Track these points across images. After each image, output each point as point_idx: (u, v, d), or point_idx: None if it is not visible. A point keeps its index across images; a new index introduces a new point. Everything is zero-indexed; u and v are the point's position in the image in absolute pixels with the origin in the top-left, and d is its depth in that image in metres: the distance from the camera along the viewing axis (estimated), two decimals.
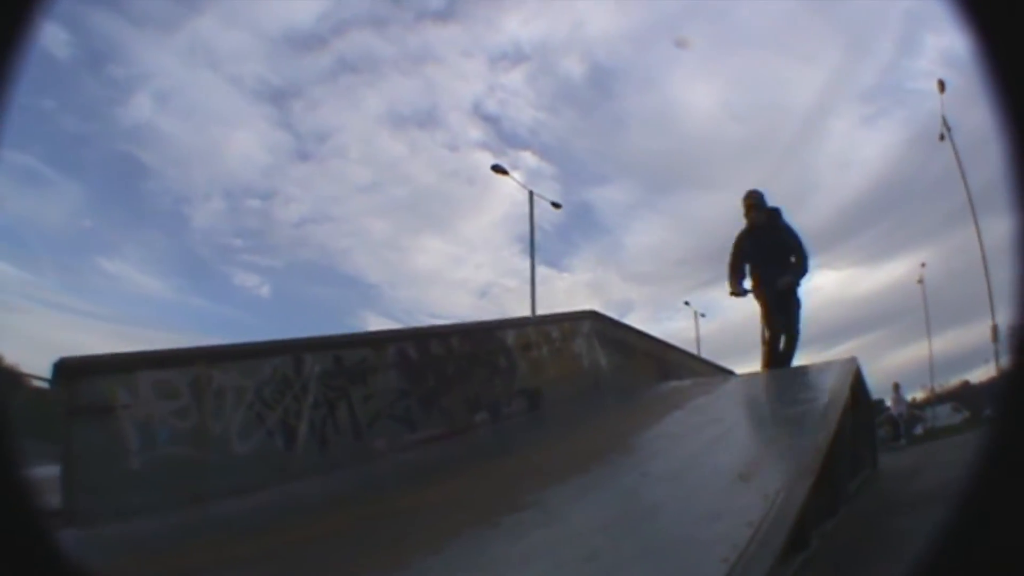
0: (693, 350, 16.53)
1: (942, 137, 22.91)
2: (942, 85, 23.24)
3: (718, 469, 4.04)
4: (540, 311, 23.30)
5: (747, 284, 8.58)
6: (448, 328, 6.94)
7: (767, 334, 8.47)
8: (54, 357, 4.56)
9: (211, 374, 5.15)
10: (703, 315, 36.99)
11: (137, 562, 3.52)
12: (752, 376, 8.73)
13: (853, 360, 6.97)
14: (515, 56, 51.74)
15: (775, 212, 8.72)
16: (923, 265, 35.68)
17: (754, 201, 8.66)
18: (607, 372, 8.22)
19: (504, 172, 22.08)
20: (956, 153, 22.26)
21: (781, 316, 8.47)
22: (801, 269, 8.61)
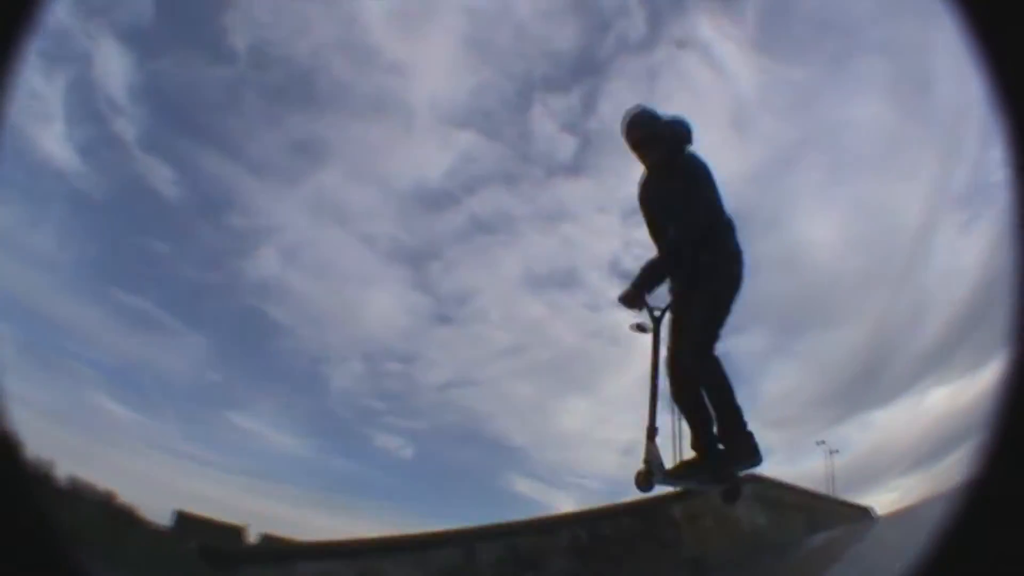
0: (825, 488, 16.02)
1: None
2: None
3: None
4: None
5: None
6: (618, 507, 6.84)
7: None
8: (174, 501, 4.54)
9: (380, 567, 5.10)
10: (836, 451, 35.50)
11: None
12: (895, 515, 8.31)
13: None
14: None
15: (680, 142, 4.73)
16: None
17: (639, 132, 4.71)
18: (764, 531, 7.91)
19: (645, 330, 22.21)
20: None
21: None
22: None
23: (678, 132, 4.76)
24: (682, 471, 4.53)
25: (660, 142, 4.68)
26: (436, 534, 5.77)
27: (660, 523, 6.73)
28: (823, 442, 35.05)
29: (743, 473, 4.69)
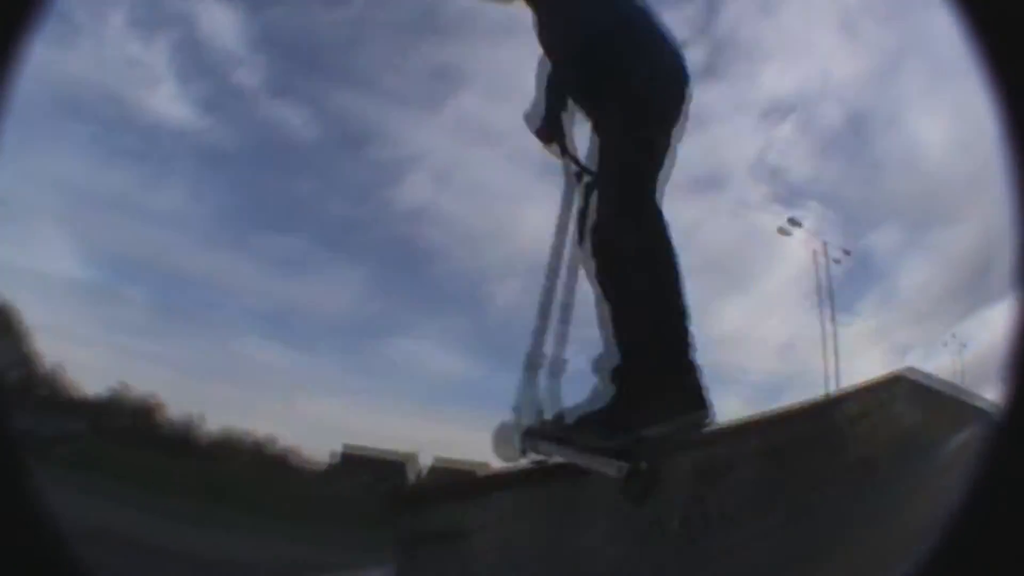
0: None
1: None
2: None
3: None
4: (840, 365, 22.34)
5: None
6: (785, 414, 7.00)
7: None
8: (339, 438, 4.56)
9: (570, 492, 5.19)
10: (964, 345, 34.72)
11: None
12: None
13: None
14: (783, 109, 51.40)
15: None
16: None
17: None
18: (921, 428, 8.00)
19: (795, 225, 21.94)
20: None
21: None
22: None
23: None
24: (565, 431, 3.33)
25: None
26: None
27: (825, 427, 6.95)
28: (954, 336, 34.02)
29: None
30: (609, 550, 4.96)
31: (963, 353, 32.46)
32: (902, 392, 7.91)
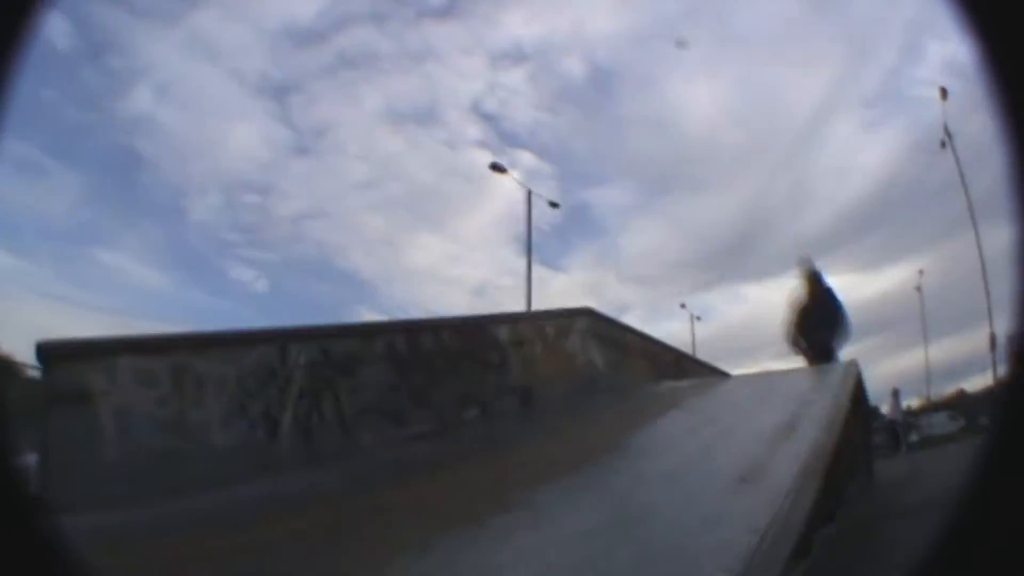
0: (688, 353, 16.34)
1: (943, 144, 22.73)
2: (944, 93, 23.05)
3: (717, 471, 3.88)
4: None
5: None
6: (439, 321, 6.78)
7: None
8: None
9: (192, 362, 5.00)
10: (699, 318, 36.76)
11: (110, 554, 3.32)
12: (749, 377, 8.56)
13: (854, 364, 6.83)
14: (515, 55, 51.39)
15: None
16: (921, 272, 35.47)
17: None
18: (602, 371, 8.05)
19: (502, 170, 21.80)
20: (957, 160, 22.10)
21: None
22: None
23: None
24: None
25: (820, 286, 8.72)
26: (250, 332, 5.61)
27: (485, 344, 6.74)
28: (684, 305, 36.44)
29: None
30: (223, 433, 4.97)
31: (694, 323, 34.90)
32: (579, 328, 7.88)
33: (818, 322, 8.68)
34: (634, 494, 3.82)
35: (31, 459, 4.10)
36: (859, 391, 6.69)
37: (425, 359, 6.16)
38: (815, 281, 8.95)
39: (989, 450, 1.33)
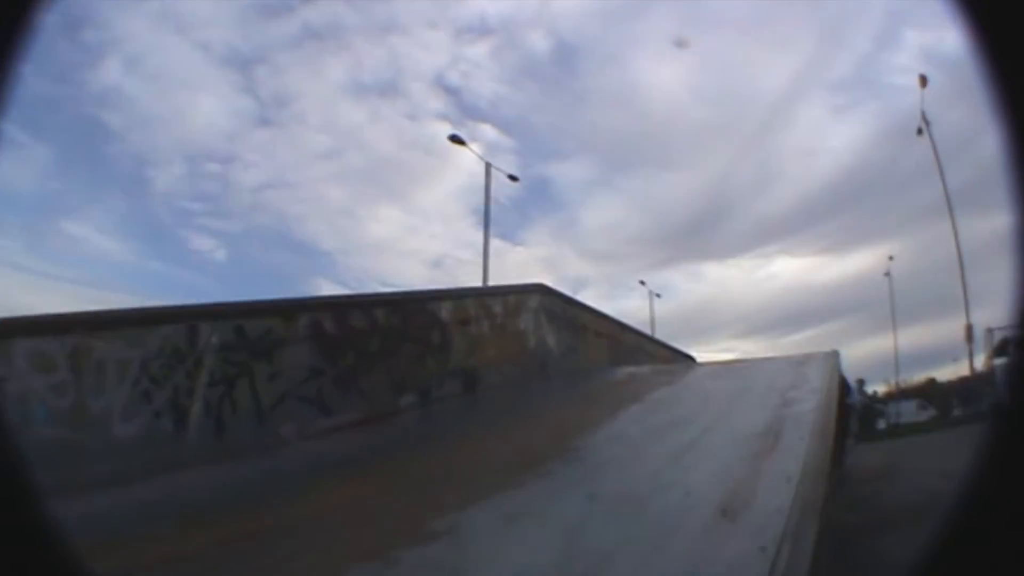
0: (647, 330, 15.89)
1: (920, 131, 22.55)
2: (924, 80, 22.88)
3: (692, 495, 3.12)
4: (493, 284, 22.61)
5: None
6: (372, 298, 6.12)
7: None
8: None
9: (91, 344, 4.46)
10: (658, 295, 36.60)
11: None
12: (719, 366, 8.00)
13: (836, 355, 6.35)
14: (480, 29, 51.08)
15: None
16: (891, 258, 35.63)
17: None
18: (555, 353, 7.47)
19: (462, 143, 21.27)
20: (934, 147, 21.94)
21: None
22: None
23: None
24: None
25: None
26: (155, 310, 5.00)
27: (425, 323, 6.09)
28: (643, 282, 36.49)
29: None
30: (125, 425, 4.46)
31: (653, 300, 34.97)
32: (531, 307, 7.29)
33: None
34: (586, 530, 2.93)
35: None
36: (841, 386, 6.21)
37: (356, 340, 5.51)
38: None
39: (992, 450, 1.24)
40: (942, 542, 1.22)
